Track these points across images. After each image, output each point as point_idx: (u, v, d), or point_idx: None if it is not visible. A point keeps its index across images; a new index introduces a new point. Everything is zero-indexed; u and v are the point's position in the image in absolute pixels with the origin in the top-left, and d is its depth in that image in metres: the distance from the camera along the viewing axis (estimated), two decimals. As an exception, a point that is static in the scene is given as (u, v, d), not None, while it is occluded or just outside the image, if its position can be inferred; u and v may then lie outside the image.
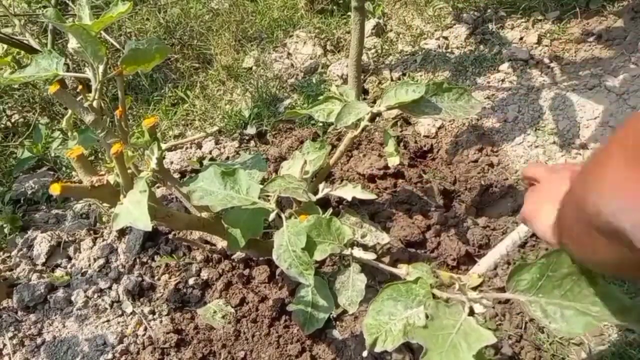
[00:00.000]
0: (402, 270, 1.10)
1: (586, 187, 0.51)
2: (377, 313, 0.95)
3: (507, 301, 1.33)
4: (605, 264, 0.61)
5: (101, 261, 1.56)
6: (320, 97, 1.35)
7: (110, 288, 1.50)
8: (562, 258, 0.82)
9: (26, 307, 1.48)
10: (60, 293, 1.50)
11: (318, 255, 1.05)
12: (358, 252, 1.14)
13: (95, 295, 1.49)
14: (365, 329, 0.95)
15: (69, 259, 1.60)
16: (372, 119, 1.49)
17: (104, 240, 1.62)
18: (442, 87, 1.20)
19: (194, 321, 1.40)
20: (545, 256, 0.83)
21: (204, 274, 1.49)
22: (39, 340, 1.42)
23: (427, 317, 0.90)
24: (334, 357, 1.30)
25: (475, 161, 1.67)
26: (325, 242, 1.09)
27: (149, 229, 0.87)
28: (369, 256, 1.15)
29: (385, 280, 1.37)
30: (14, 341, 1.41)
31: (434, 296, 0.95)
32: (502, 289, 1.24)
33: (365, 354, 0.97)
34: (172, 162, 1.82)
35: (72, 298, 1.48)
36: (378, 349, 0.93)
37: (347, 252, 1.13)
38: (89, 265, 1.56)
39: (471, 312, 0.88)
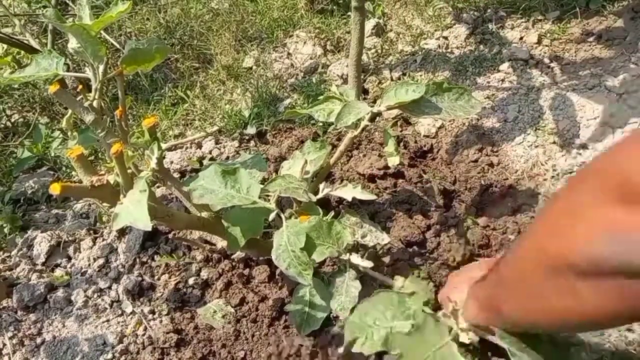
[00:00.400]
0: (398, 282, 1.10)
1: (564, 237, 0.50)
2: (364, 314, 0.94)
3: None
4: (553, 319, 0.58)
5: (101, 261, 1.56)
6: (321, 97, 1.35)
7: (110, 288, 1.50)
8: None
9: (26, 307, 1.48)
10: (60, 293, 1.50)
11: (316, 257, 1.05)
12: (356, 259, 1.14)
13: (95, 295, 1.49)
14: (347, 325, 0.94)
15: (69, 258, 1.60)
16: (372, 119, 1.49)
17: (103, 240, 1.62)
18: (442, 87, 1.20)
19: (193, 321, 1.40)
20: None
21: (204, 274, 1.49)
22: (38, 340, 1.42)
23: (412, 327, 0.89)
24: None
25: (475, 161, 1.67)
26: (324, 244, 1.09)
27: (149, 228, 0.87)
28: (366, 264, 1.14)
29: (385, 286, 1.37)
30: (14, 341, 1.41)
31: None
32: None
33: (341, 350, 0.97)
34: (172, 162, 1.82)
35: (72, 298, 1.48)
36: (355, 349, 0.92)
37: (344, 257, 1.13)
38: (89, 265, 1.56)
39: (455, 339, 0.87)
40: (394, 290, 0.97)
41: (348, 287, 1.13)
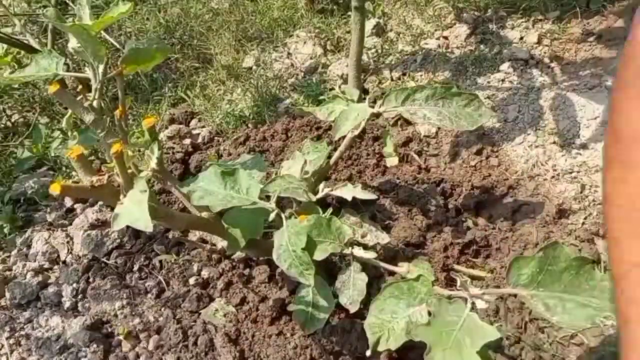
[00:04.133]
0: (403, 268, 1.10)
1: None
2: (379, 312, 0.95)
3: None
4: None
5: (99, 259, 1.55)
6: (329, 97, 1.34)
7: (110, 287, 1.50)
8: (559, 251, 0.83)
9: (19, 305, 1.48)
10: (54, 290, 1.49)
11: (318, 255, 1.05)
12: (359, 252, 1.14)
13: (93, 294, 1.48)
14: (367, 328, 0.95)
15: (67, 257, 1.59)
16: (377, 116, 1.49)
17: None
18: (450, 91, 1.15)
19: (195, 320, 1.40)
20: (542, 249, 0.84)
21: (205, 274, 1.49)
22: (32, 338, 1.41)
23: (429, 314, 0.90)
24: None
25: (476, 161, 1.67)
26: (325, 241, 1.09)
27: (150, 229, 0.87)
28: (370, 255, 1.14)
29: (390, 273, 1.37)
30: (11, 341, 1.41)
31: (436, 293, 0.95)
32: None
33: (368, 353, 0.97)
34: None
35: (67, 296, 1.48)
36: (381, 347, 0.93)
37: (347, 251, 1.13)
38: (88, 263, 1.56)
39: (474, 309, 0.88)
40: (401, 279, 0.98)
41: (355, 280, 1.13)
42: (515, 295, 1.30)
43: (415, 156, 1.73)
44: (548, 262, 0.83)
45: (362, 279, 1.14)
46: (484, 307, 0.90)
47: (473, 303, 0.89)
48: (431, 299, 0.93)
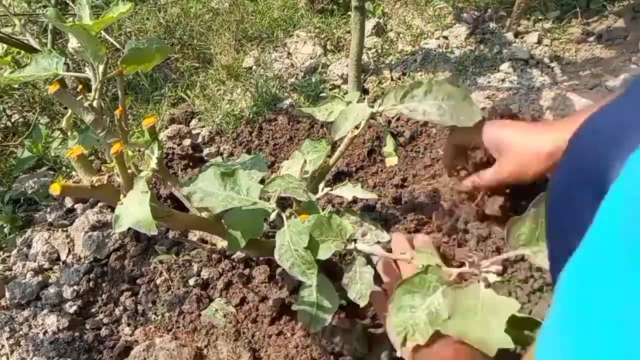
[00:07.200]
0: (406, 255, 1.09)
1: None
2: (398, 310, 0.94)
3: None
4: None
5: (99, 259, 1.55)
6: (328, 97, 1.34)
7: (106, 286, 1.50)
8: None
9: (19, 305, 1.48)
10: (54, 290, 1.49)
11: (322, 254, 1.04)
12: (361, 245, 1.13)
13: (90, 294, 1.48)
14: (391, 329, 0.93)
15: (67, 256, 1.59)
16: (372, 118, 1.49)
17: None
18: (443, 87, 1.14)
19: (194, 321, 1.40)
20: (534, 205, 0.84)
21: (204, 274, 1.49)
22: (33, 338, 1.41)
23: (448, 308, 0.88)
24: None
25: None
26: (328, 239, 1.09)
27: (155, 232, 0.85)
28: (373, 248, 1.14)
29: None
30: (11, 341, 1.41)
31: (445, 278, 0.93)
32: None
33: (399, 353, 0.95)
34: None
35: (68, 296, 1.48)
36: (409, 344, 0.92)
37: (350, 246, 1.13)
38: (88, 263, 1.56)
39: (487, 284, 0.87)
40: (410, 276, 0.97)
41: (361, 274, 1.12)
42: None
43: (416, 156, 1.72)
44: (540, 214, 0.82)
45: (368, 271, 1.13)
46: (497, 279, 0.87)
47: (485, 279, 0.87)
48: (443, 288, 0.90)
